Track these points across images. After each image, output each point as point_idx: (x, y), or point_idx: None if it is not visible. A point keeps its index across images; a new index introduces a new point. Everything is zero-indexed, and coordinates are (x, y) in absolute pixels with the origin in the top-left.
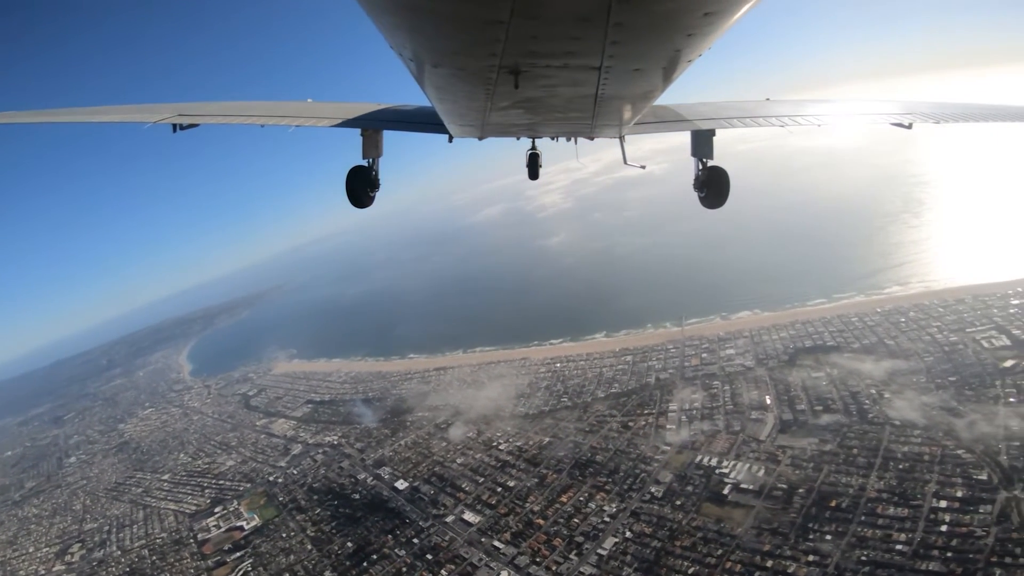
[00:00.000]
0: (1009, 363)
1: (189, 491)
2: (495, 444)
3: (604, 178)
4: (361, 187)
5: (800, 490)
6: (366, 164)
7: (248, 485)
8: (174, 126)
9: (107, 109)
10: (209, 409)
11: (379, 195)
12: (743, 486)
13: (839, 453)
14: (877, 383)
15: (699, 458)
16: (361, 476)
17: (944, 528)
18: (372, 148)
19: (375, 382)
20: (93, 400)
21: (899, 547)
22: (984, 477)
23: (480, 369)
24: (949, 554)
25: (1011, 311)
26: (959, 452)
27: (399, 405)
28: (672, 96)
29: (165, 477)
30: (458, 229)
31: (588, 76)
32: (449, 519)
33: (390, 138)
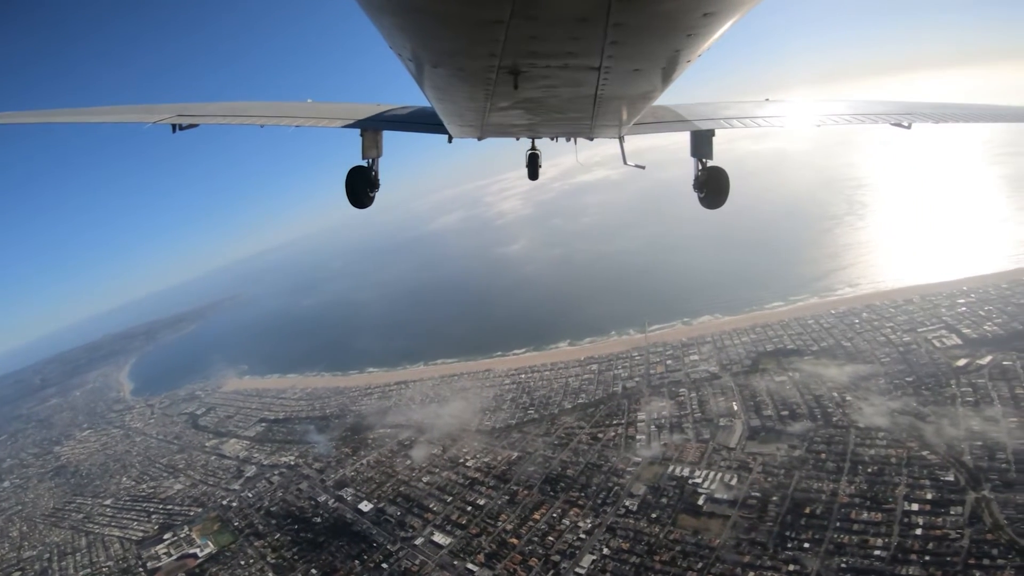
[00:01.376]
0: (962, 362)
1: (135, 517)
2: (462, 461)
3: (562, 184)
4: (361, 187)
5: (774, 498)
6: (366, 164)
7: (199, 510)
8: (174, 126)
9: (107, 109)
10: (153, 430)
11: (377, 195)
12: (717, 496)
13: (808, 459)
14: (839, 386)
15: (671, 469)
16: (322, 498)
17: (919, 532)
18: (372, 148)
19: (333, 398)
20: (26, 422)
21: (877, 552)
22: (951, 478)
23: (443, 382)
24: (927, 558)
25: (959, 310)
26: (924, 454)
27: (359, 422)
28: (672, 96)
29: (108, 502)
30: (416, 237)
31: (588, 76)
32: (418, 541)
33: (390, 138)
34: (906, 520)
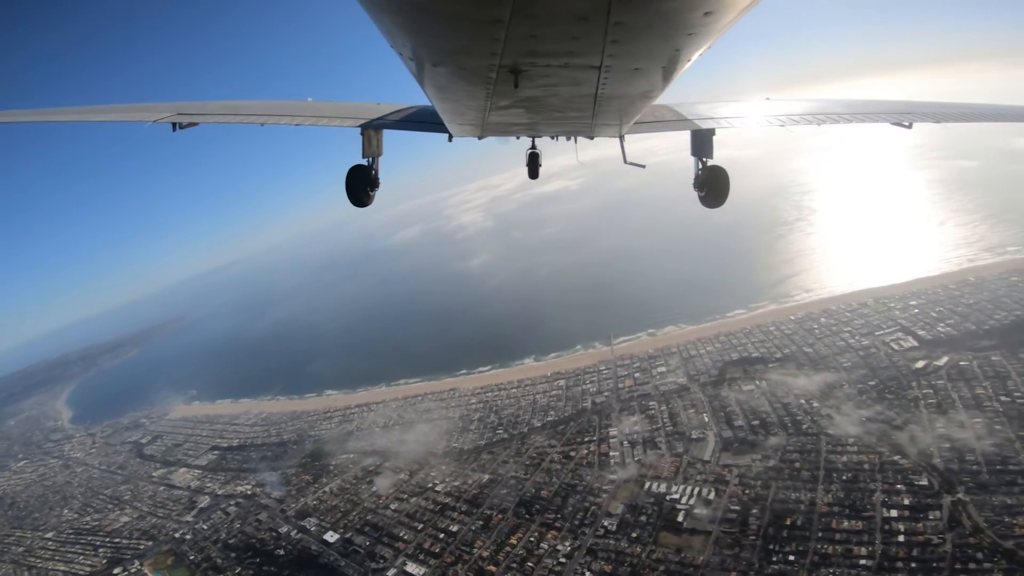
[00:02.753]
0: (920, 364)
1: (80, 550)
2: (431, 486)
3: (522, 195)
4: (361, 186)
5: (754, 510)
6: (366, 163)
7: (150, 543)
8: (174, 125)
9: (107, 108)
10: (95, 460)
11: (377, 194)
12: (696, 511)
13: (783, 468)
14: (805, 394)
15: (647, 485)
16: (283, 529)
17: (902, 538)
18: (372, 147)
19: (290, 423)
20: None
21: (863, 562)
22: (925, 483)
23: (406, 404)
24: (913, 565)
25: (913, 312)
26: (895, 459)
27: (319, 448)
28: (672, 96)
29: (49, 535)
30: (373, 253)
31: (588, 75)
32: (391, 573)
33: (390, 137)
34: (887, 527)
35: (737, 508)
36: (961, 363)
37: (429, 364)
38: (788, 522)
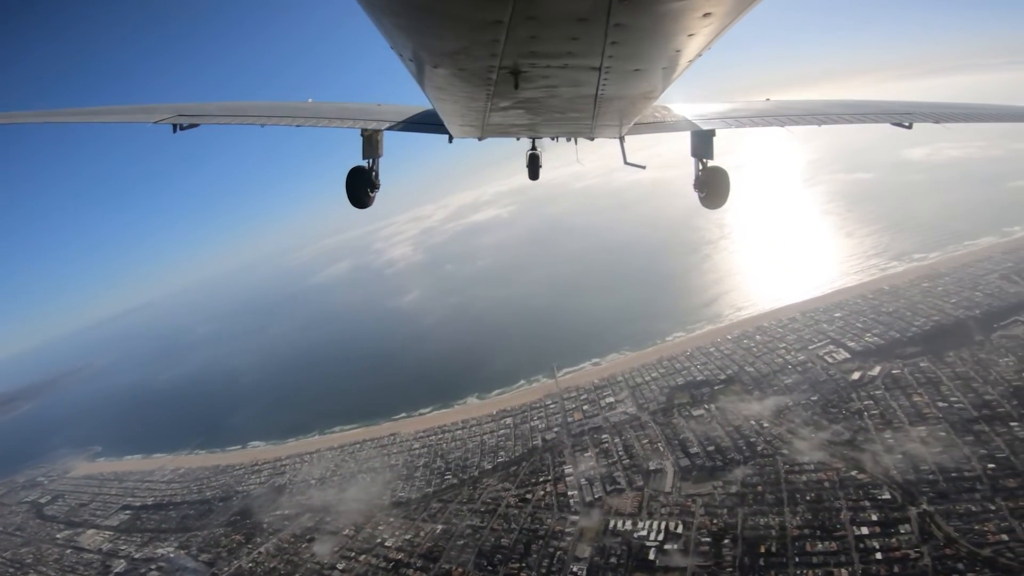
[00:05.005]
0: (856, 375)
1: None
2: (380, 541)
3: (453, 225)
4: (361, 187)
5: (725, 540)
6: (366, 165)
7: None
8: (174, 126)
9: (107, 109)
10: None
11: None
12: (667, 547)
13: (746, 493)
14: (754, 415)
15: (612, 523)
16: None
17: (879, 556)
18: (372, 148)
19: (213, 478)
20: None
21: None
22: (888, 496)
23: (343, 453)
24: None
25: (838, 324)
26: (853, 473)
27: (249, 505)
28: (672, 96)
29: None
30: (297, 292)
31: (588, 76)
32: None
33: (390, 138)
34: (861, 545)
35: (708, 540)
36: (894, 371)
37: (364, 409)
38: (762, 549)
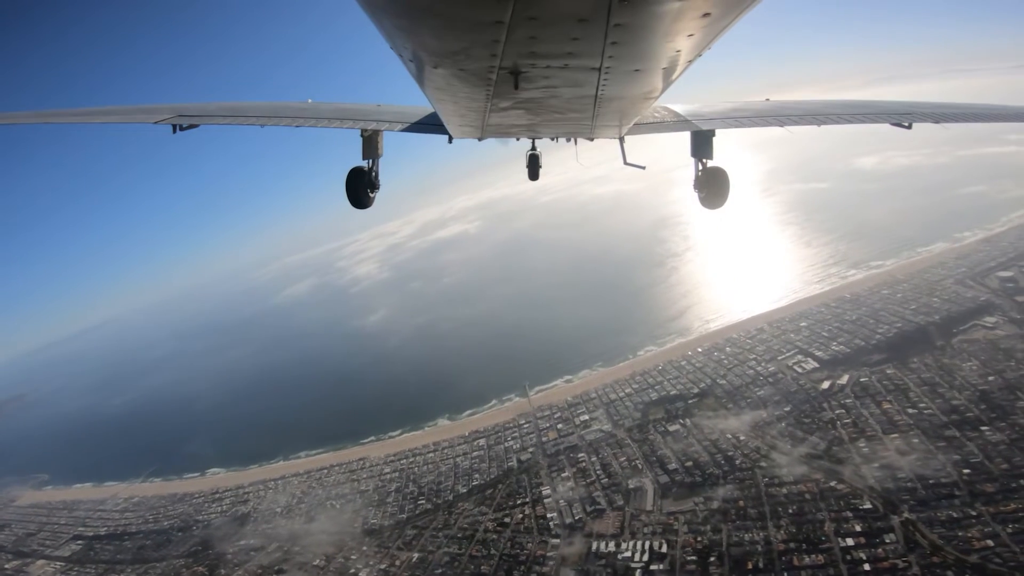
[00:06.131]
0: (825, 385)
1: None
2: (353, 571)
3: (419, 241)
4: (361, 188)
5: (711, 558)
6: (366, 165)
7: None
8: (174, 126)
9: (107, 109)
10: None
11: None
12: (653, 568)
13: (728, 509)
14: (729, 428)
15: (594, 546)
16: None
17: (868, 567)
18: (372, 149)
19: (170, 507)
20: None
21: None
22: (869, 506)
23: (310, 479)
24: None
25: (805, 333)
26: (832, 484)
27: (211, 534)
28: (672, 96)
29: None
30: (258, 312)
31: (588, 77)
32: None
33: (390, 138)
34: (848, 557)
35: (694, 559)
36: (862, 379)
37: (331, 433)
38: (749, 566)
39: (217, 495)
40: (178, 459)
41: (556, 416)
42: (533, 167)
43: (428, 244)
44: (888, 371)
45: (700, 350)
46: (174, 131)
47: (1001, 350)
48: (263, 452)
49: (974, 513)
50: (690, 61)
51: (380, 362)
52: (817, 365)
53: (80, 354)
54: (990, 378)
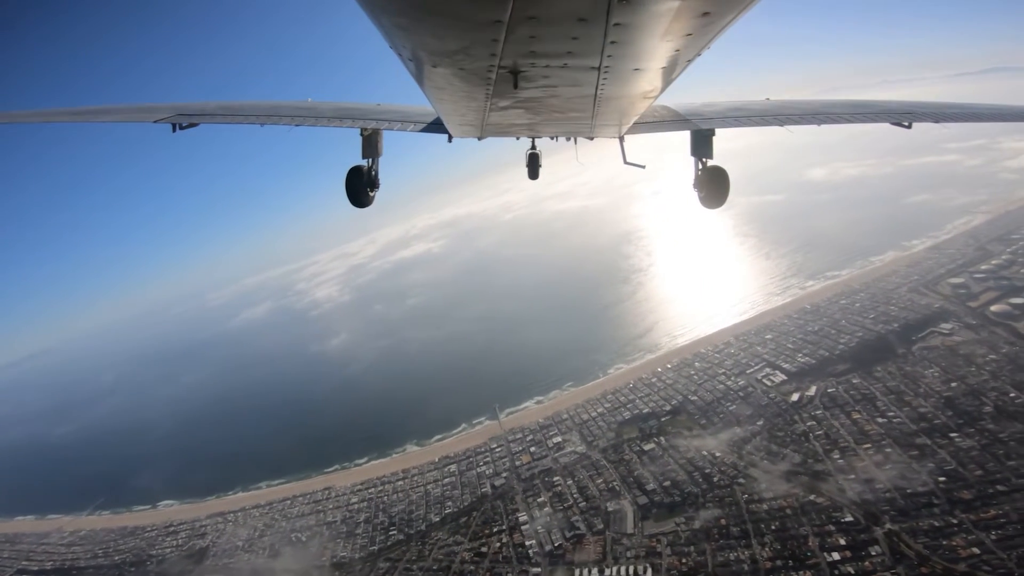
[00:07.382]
0: (795, 397)
1: None
2: None
3: (382, 262)
4: (361, 187)
5: None
6: (366, 164)
7: None
8: (174, 126)
9: (107, 109)
10: None
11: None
12: None
13: (711, 528)
14: (704, 445)
15: (577, 573)
16: None
17: None
18: (372, 148)
19: (121, 541)
20: None
21: None
22: (851, 518)
23: (272, 510)
24: None
25: (770, 345)
26: (812, 498)
27: (167, 570)
28: (672, 96)
29: None
30: (212, 337)
31: (587, 76)
32: None
33: (390, 138)
34: (836, 572)
35: None
36: (829, 390)
37: (293, 462)
38: None
39: (171, 528)
40: (128, 491)
41: (528, 439)
42: (533, 166)
43: (391, 264)
44: (854, 381)
45: (670, 366)
46: (174, 130)
47: (961, 356)
48: (220, 483)
49: (955, 521)
50: (689, 60)
51: (343, 388)
52: (785, 377)
53: (19, 382)
54: (953, 384)
